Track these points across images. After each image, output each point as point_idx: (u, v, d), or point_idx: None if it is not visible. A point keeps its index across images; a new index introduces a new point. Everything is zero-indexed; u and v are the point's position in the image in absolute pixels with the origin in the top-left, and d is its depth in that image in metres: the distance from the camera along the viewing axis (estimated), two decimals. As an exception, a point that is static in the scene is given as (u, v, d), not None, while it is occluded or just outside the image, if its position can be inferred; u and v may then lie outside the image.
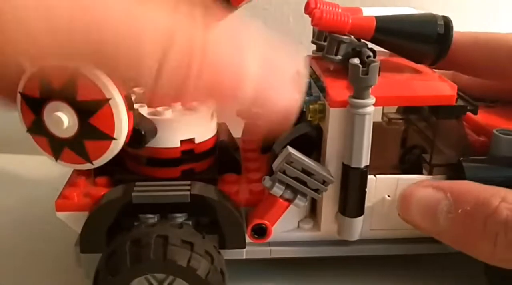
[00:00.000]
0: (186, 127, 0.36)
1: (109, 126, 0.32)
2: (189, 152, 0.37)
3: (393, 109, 0.47)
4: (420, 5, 0.59)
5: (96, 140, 0.32)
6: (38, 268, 0.41)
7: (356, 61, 0.32)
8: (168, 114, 0.35)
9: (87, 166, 0.33)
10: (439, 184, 0.34)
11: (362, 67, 0.31)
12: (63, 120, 0.31)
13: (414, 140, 0.43)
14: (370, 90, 0.32)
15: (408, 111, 0.45)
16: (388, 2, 0.60)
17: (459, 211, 0.32)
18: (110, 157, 0.33)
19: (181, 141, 0.36)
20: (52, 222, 0.37)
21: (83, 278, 0.36)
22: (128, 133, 0.33)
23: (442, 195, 0.33)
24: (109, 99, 0.31)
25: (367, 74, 0.32)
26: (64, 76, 0.30)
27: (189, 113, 0.36)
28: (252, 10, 0.62)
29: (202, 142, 0.38)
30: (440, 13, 0.36)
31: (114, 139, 0.32)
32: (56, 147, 0.32)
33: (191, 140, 0.37)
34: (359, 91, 0.32)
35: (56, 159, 0.33)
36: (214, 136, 0.39)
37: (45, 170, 0.54)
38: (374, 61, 0.32)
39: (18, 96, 0.31)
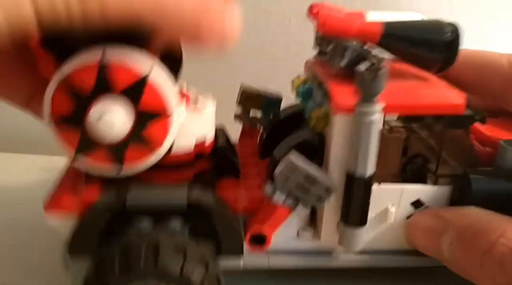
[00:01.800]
0: (199, 128, 0.35)
1: (160, 139, 0.31)
2: (201, 154, 0.36)
3: (394, 117, 0.46)
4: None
5: (140, 148, 0.31)
6: (24, 272, 0.39)
7: (363, 67, 0.31)
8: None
9: (111, 170, 0.32)
10: (444, 214, 0.34)
11: (370, 73, 0.30)
12: (114, 125, 0.29)
13: (416, 149, 0.42)
14: (377, 97, 0.31)
15: (410, 120, 0.44)
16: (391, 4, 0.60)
17: (460, 244, 0.32)
18: (144, 167, 0.32)
19: (195, 144, 0.35)
20: (40, 224, 0.35)
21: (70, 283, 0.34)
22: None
23: (445, 226, 0.34)
24: (169, 115, 0.30)
25: (374, 81, 0.30)
26: (131, 78, 0.29)
27: (198, 114, 0.35)
28: (254, 12, 0.62)
29: (210, 143, 0.37)
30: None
31: (158, 150, 0.31)
32: (87, 145, 0.30)
33: (202, 142, 0.36)
34: (367, 98, 0.31)
35: (77, 158, 0.31)
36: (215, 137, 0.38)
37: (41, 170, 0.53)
38: (382, 68, 0.31)
39: (56, 80, 0.29)
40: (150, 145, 0.31)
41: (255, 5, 0.61)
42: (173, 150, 0.33)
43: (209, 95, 0.36)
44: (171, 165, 0.34)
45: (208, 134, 0.36)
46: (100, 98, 0.29)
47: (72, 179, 0.37)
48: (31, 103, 0.34)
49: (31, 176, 0.52)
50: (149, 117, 0.30)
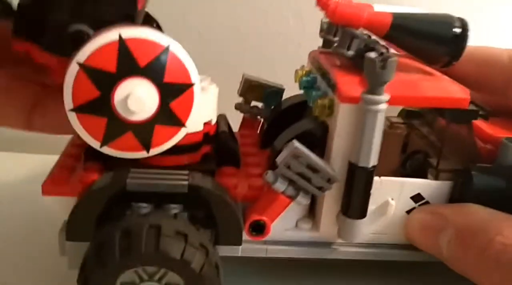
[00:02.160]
0: (206, 108, 0.35)
1: (186, 112, 0.30)
2: (207, 134, 0.36)
3: (395, 112, 0.46)
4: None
5: (168, 125, 0.30)
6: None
7: (373, 55, 0.31)
8: None
9: (138, 155, 0.31)
10: (443, 211, 0.34)
11: (380, 61, 0.30)
12: (144, 100, 0.29)
13: (416, 145, 0.42)
14: (385, 87, 0.31)
15: (411, 115, 0.44)
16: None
17: (459, 242, 0.32)
18: (170, 146, 0.31)
19: (204, 124, 0.35)
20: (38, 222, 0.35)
21: (66, 268, 0.33)
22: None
23: (444, 223, 0.34)
24: (193, 84, 0.30)
25: (384, 68, 0.30)
26: (152, 52, 0.29)
27: (205, 93, 0.34)
28: (252, 11, 0.62)
29: (214, 124, 0.36)
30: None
31: (184, 126, 0.31)
32: (115, 131, 0.30)
33: (209, 122, 0.35)
34: (374, 87, 0.31)
35: (104, 144, 0.30)
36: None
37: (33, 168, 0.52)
38: (392, 56, 0.30)
39: (75, 67, 0.29)
40: (176, 121, 0.30)
41: (254, 4, 0.61)
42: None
43: (209, 78, 0.36)
44: (181, 147, 0.33)
45: (213, 115, 0.36)
46: (125, 76, 0.29)
47: (71, 160, 0.36)
48: (32, 117, 0.34)
49: (29, 174, 0.51)
50: (175, 88, 0.30)
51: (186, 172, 0.33)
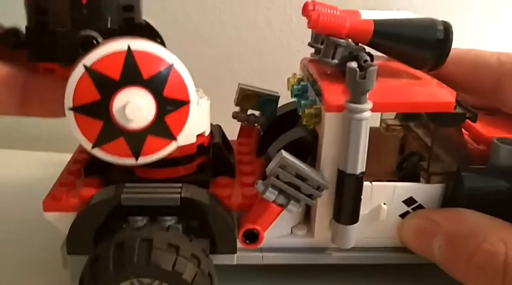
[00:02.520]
0: (199, 121, 0.36)
1: (179, 127, 0.32)
2: (201, 146, 0.37)
3: (392, 115, 0.46)
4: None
5: (160, 137, 0.32)
6: (23, 269, 0.40)
7: (353, 65, 0.31)
8: None
9: (127, 161, 0.33)
10: (435, 216, 0.35)
11: (360, 71, 0.31)
12: (141, 110, 0.30)
13: (412, 147, 0.43)
14: (367, 95, 0.31)
15: (407, 118, 0.44)
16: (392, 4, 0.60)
17: (449, 248, 0.33)
18: (159, 157, 0.33)
19: (197, 136, 0.36)
20: (39, 221, 0.36)
21: (69, 281, 0.35)
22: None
23: (436, 229, 0.34)
24: (190, 102, 0.32)
25: (364, 78, 0.31)
26: (157, 67, 0.30)
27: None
28: (255, 9, 0.63)
29: (208, 136, 0.37)
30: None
31: (175, 140, 0.32)
32: (108, 135, 0.31)
33: (203, 134, 0.36)
34: (356, 96, 0.31)
35: (96, 146, 0.32)
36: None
37: (42, 167, 0.54)
38: (372, 65, 0.31)
39: (81, 69, 0.30)
40: (169, 134, 0.32)
41: (256, 2, 0.62)
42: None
43: (200, 90, 0.37)
44: (176, 159, 0.35)
45: (206, 126, 0.37)
46: (127, 85, 0.30)
47: (72, 177, 0.38)
48: (28, 102, 0.35)
49: (30, 172, 0.53)
50: (173, 103, 0.31)
51: (179, 185, 0.35)
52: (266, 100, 0.45)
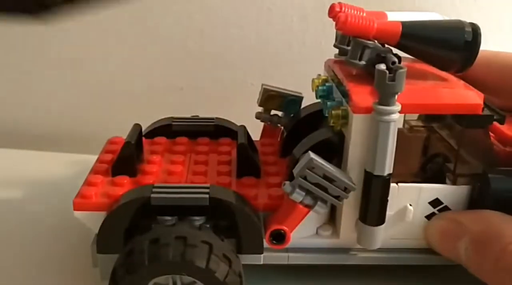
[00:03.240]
0: None
1: None
2: None
3: (415, 116, 0.46)
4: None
5: None
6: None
7: (382, 67, 0.31)
8: None
9: None
10: (461, 218, 0.35)
11: (389, 73, 0.31)
12: None
13: (436, 148, 0.42)
14: (396, 97, 0.32)
15: (431, 119, 0.44)
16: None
17: (475, 250, 0.33)
18: None
19: None
20: (69, 220, 0.37)
21: (98, 279, 0.35)
22: None
23: (461, 231, 0.34)
24: None
25: (393, 80, 0.31)
26: None
27: None
28: (257, 10, 0.63)
29: None
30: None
31: None
32: None
33: None
34: (385, 98, 0.31)
35: None
36: None
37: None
38: (401, 67, 0.31)
39: None
40: None
41: (257, 3, 0.62)
42: None
43: None
44: None
45: None
46: None
47: (100, 176, 0.38)
48: None
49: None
50: None
51: (207, 185, 0.35)
52: (290, 101, 0.45)
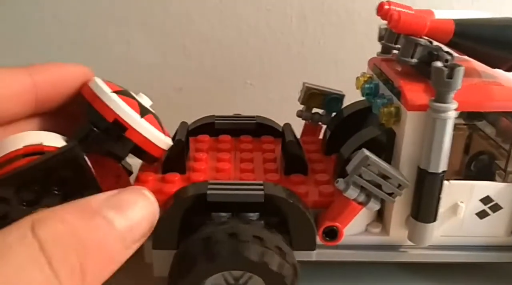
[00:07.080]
0: None
1: None
2: None
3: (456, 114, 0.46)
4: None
5: None
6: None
7: (439, 64, 0.31)
8: None
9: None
10: None
11: (447, 70, 0.31)
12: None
13: (479, 146, 0.43)
14: (453, 94, 0.32)
15: (473, 116, 0.44)
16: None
17: None
18: None
19: None
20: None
21: (152, 275, 0.36)
22: None
23: None
24: None
25: (451, 77, 0.31)
26: None
27: None
28: (256, 10, 0.63)
29: None
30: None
31: None
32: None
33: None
34: (442, 95, 0.32)
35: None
36: None
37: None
38: (458, 65, 0.31)
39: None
40: None
41: (256, 3, 0.62)
42: None
43: None
44: None
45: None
46: None
47: (150, 173, 0.38)
48: None
49: None
50: None
51: (260, 182, 0.35)
52: (332, 99, 0.45)
